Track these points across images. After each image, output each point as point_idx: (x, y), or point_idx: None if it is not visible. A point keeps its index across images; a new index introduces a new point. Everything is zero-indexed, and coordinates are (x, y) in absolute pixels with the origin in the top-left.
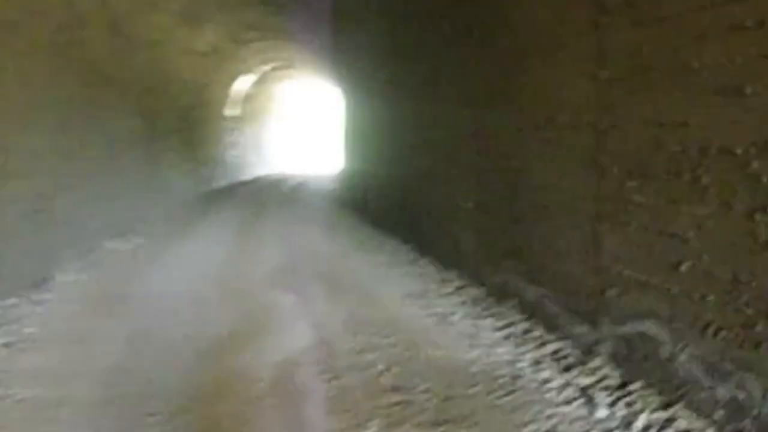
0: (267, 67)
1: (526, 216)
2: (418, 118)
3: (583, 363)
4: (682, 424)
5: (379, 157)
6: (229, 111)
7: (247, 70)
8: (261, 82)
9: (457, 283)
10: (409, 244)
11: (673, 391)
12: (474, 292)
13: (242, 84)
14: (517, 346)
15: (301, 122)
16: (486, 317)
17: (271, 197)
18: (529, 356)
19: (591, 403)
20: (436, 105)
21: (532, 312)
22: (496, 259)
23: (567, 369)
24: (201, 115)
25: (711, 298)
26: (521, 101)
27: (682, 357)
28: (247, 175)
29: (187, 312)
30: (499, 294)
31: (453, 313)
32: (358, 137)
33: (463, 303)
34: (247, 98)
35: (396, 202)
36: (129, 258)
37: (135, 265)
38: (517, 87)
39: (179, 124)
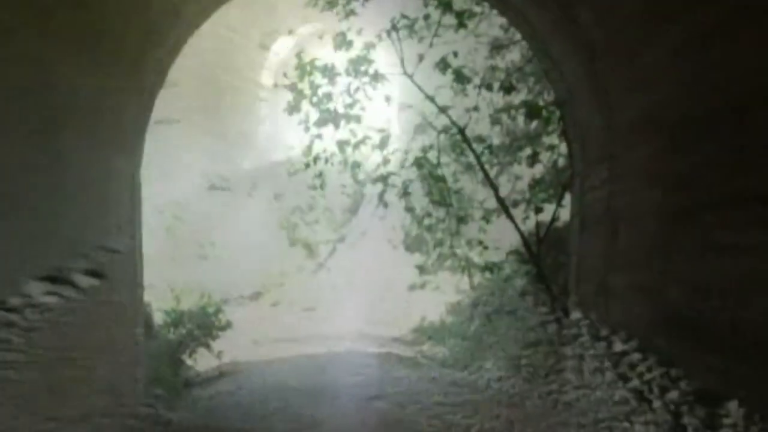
0: (310, 28)
1: None
2: None
3: None
4: None
5: None
6: (264, 79)
7: (285, 30)
8: (303, 46)
9: None
10: None
11: None
12: None
13: (281, 47)
14: None
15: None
16: None
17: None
18: None
19: None
20: None
21: None
22: None
23: None
24: (224, 80)
25: None
26: None
27: None
28: (281, 154)
29: None
30: None
31: None
32: None
33: None
34: (285, 65)
35: None
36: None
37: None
38: None
39: (188, 88)
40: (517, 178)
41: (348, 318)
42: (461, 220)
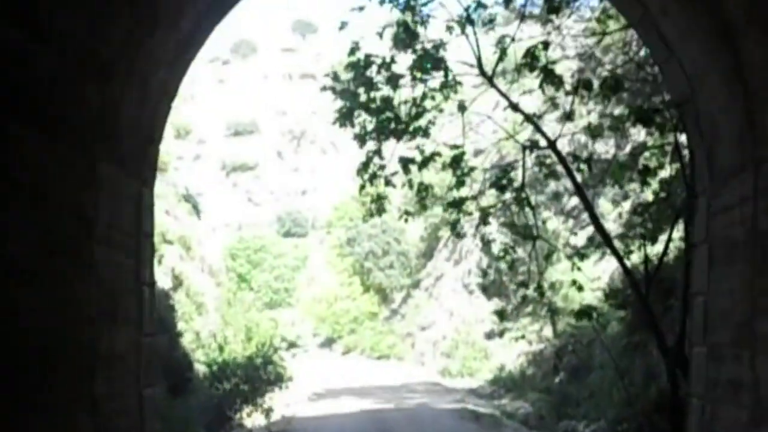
0: None
1: None
2: None
3: None
4: None
5: None
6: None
7: None
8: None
9: None
10: None
11: None
12: None
13: None
14: None
15: None
16: None
17: None
18: None
19: None
20: None
21: None
22: None
23: None
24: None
25: None
26: None
27: None
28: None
29: None
30: None
31: None
32: None
33: None
34: None
35: None
36: None
37: None
38: None
39: None
40: (614, 205)
41: (421, 368)
42: (548, 257)
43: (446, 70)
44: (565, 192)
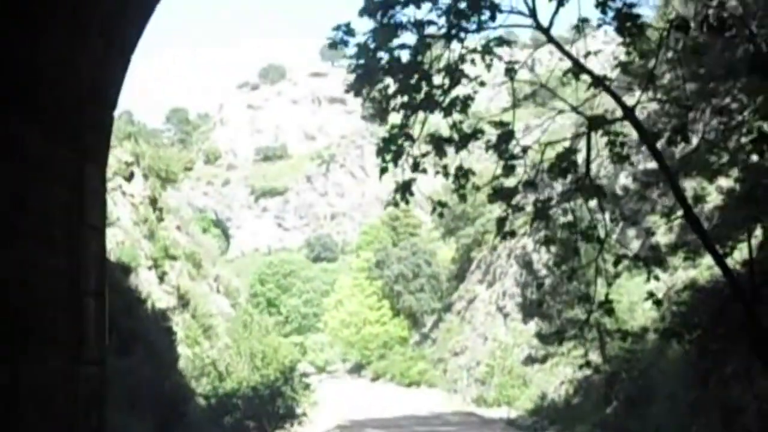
0: None
1: None
2: None
3: None
4: None
5: None
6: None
7: None
8: None
9: None
10: None
11: None
12: None
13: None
14: None
15: None
16: None
17: None
18: None
19: None
20: None
21: None
22: None
23: None
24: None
25: None
26: None
27: None
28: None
29: None
30: None
31: None
32: None
33: None
34: None
35: None
36: None
37: None
38: None
39: None
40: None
41: (454, 396)
42: (617, 263)
43: (493, 9)
44: (624, 194)
